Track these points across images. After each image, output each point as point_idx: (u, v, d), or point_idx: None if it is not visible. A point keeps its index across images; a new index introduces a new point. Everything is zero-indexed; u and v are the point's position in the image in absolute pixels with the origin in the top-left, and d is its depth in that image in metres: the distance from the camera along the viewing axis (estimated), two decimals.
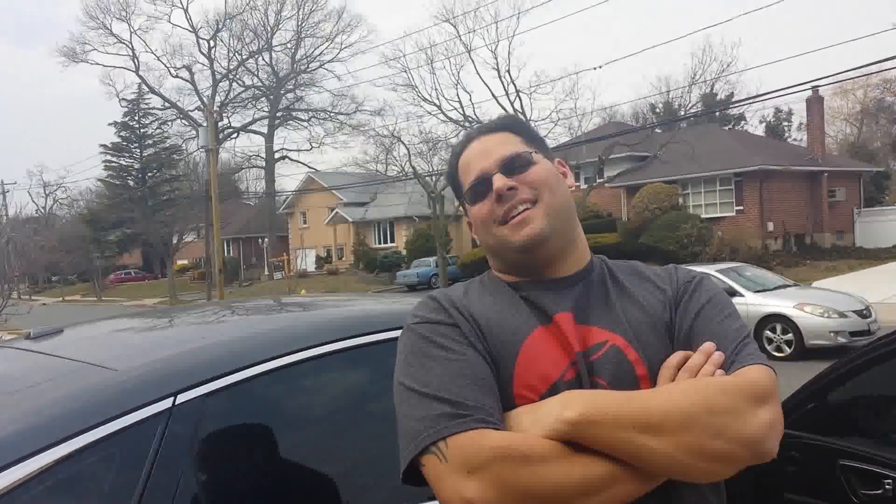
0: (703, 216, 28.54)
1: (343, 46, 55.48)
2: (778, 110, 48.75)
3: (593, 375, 1.29)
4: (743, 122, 49.02)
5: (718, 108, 42.57)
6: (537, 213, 1.38)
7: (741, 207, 29.10)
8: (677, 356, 1.31)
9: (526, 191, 1.39)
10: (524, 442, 1.16)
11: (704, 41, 42.16)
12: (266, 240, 52.19)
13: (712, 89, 41.60)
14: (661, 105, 47.06)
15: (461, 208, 1.54)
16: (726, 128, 41.41)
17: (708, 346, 1.30)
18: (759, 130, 47.75)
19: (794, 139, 47.00)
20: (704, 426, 1.15)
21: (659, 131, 31.68)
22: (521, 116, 26.00)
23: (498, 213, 1.39)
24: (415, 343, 1.32)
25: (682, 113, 35.69)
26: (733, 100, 43.21)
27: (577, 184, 33.22)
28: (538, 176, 1.41)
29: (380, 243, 44.76)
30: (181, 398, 1.56)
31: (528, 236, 1.37)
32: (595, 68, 35.07)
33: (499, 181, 1.39)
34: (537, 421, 1.19)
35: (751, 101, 38.89)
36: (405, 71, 31.07)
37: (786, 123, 49.83)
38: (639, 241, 27.12)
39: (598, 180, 29.83)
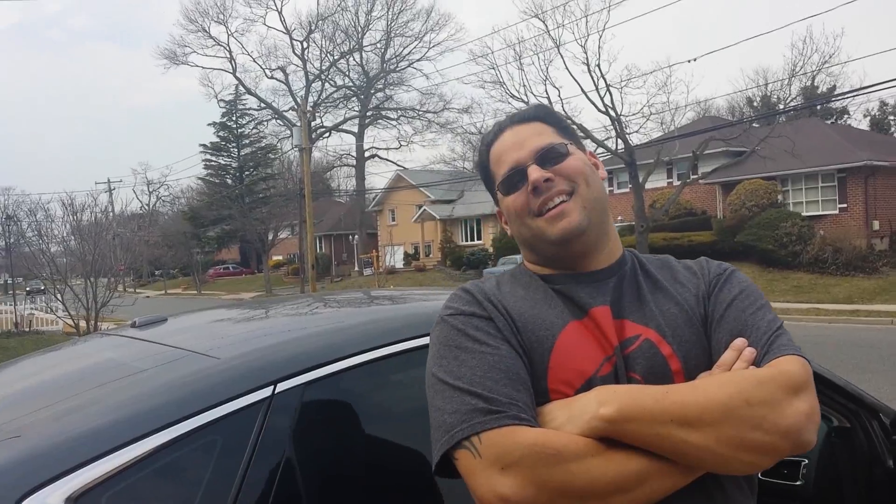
0: (804, 214, 27.40)
1: (431, 45, 56.22)
2: (883, 103, 46.47)
3: (627, 370, 1.29)
4: (846, 117, 46.92)
5: (820, 101, 40.77)
6: (574, 205, 1.37)
7: (844, 205, 27.79)
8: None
9: (562, 183, 1.38)
10: (558, 439, 1.16)
11: (805, 31, 40.34)
12: (356, 237, 53.15)
13: (813, 82, 39.86)
14: (758, 99, 45.51)
15: (493, 200, 1.53)
16: (828, 122, 39.64)
17: (739, 342, 1.30)
18: (864, 125, 45.63)
19: None
20: (743, 418, 1.15)
21: (756, 126, 30.54)
22: (612, 111, 25.59)
23: (533, 205, 1.39)
24: (448, 335, 1.32)
25: (782, 107, 34.33)
26: (836, 93, 41.29)
27: (670, 180, 32.47)
28: (574, 168, 1.40)
29: (467, 241, 44.88)
30: (281, 387, 1.58)
31: (565, 229, 1.36)
32: (689, 61, 34.06)
33: (535, 172, 1.38)
34: (573, 417, 1.20)
35: (854, 93, 37.12)
36: (493, 68, 30.87)
37: (892, 117, 47.44)
38: (735, 240, 26.25)
39: (691, 176, 29.01)
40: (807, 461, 2.53)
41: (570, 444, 1.14)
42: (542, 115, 1.50)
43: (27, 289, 36.35)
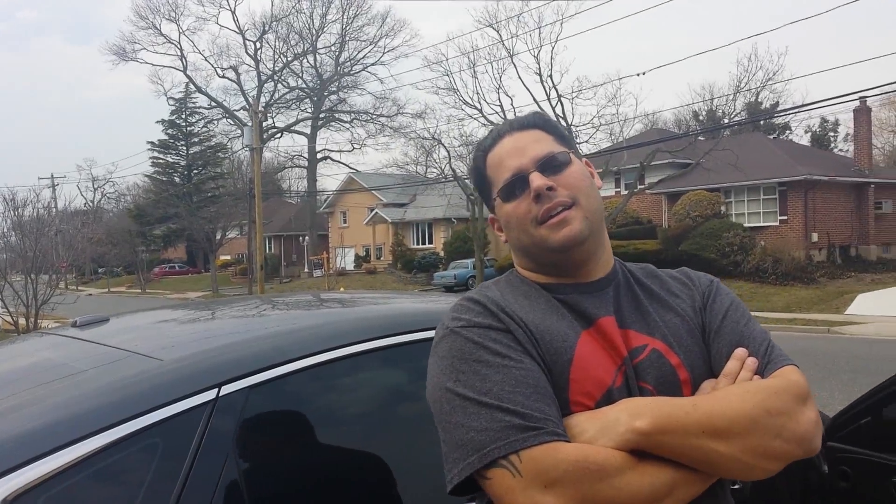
0: (746, 225, 28.09)
1: (386, 50, 56.12)
2: (824, 120, 47.95)
3: (639, 380, 1.30)
4: (788, 132, 48.30)
5: (763, 116, 41.87)
6: (576, 214, 1.36)
7: (785, 217, 28.58)
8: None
9: (563, 193, 1.37)
10: (599, 454, 1.15)
11: (751, 49, 41.65)
12: (307, 238, 52.68)
13: (757, 98, 40.92)
14: (704, 113, 46.48)
15: (487, 205, 1.51)
16: (771, 137, 40.71)
17: (740, 352, 1.33)
18: (805, 140, 47.01)
19: (841, 150, 46.18)
20: (766, 428, 1.19)
21: (702, 139, 31.22)
22: (563, 121, 25.89)
23: (536, 212, 1.36)
24: (464, 348, 1.26)
25: (726, 121, 35.16)
26: (779, 109, 42.46)
27: (618, 189, 32.96)
28: (575, 178, 1.39)
29: (418, 244, 44.86)
30: (225, 389, 1.57)
31: (567, 237, 1.35)
32: (639, 74, 34.81)
33: (537, 180, 1.36)
34: (605, 430, 1.18)
35: (796, 110, 38.15)
36: (447, 75, 31.08)
37: (832, 134, 49.04)
38: (679, 249, 26.77)
39: (638, 186, 29.50)
40: None
41: (610, 458, 1.14)
42: (541, 122, 1.48)
43: None
